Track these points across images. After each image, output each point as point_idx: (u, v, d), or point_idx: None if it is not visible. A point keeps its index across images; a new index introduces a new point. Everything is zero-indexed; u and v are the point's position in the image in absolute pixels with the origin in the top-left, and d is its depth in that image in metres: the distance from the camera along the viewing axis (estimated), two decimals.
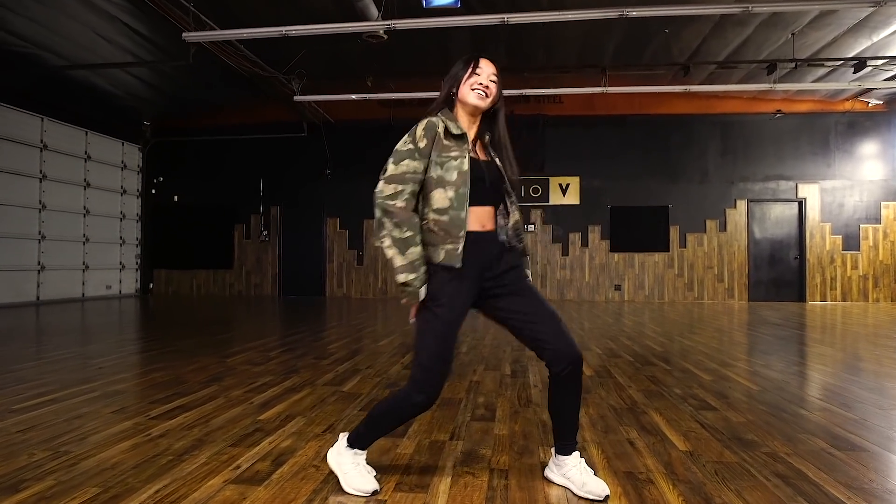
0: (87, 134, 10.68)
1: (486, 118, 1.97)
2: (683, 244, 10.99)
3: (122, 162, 11.64)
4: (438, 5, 6.28)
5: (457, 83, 1.89)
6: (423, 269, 1.79)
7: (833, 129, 10.78)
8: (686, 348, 5.11)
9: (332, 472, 1.99)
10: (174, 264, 12.19)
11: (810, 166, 10.82)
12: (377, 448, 2.30)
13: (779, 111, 10.72)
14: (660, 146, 11.06)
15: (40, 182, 9.71)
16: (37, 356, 4.54)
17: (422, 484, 1.96)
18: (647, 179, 11.07)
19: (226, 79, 9.36)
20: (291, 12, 7.06)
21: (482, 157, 1.92)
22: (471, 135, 1.92)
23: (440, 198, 1.80)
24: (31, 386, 3.42)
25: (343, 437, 1.98)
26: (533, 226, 11.19)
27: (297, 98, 9.55)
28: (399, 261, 1.77)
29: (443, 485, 1.96)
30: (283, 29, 6.60)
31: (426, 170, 1.82)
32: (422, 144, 1.80)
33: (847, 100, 10.61)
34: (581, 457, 1.94)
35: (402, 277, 1.77)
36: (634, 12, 6.04)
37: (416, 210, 1.85)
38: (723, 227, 10.95)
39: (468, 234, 1.81)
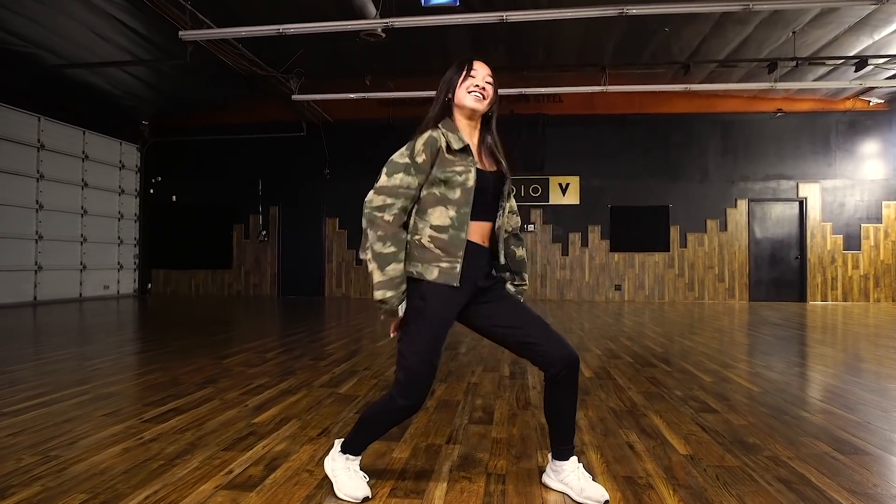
0: (84, 133, 10.64)
1: (484, 121, 1.93)
2: (684, 244, 10.96)
3: (121, 161, 11.60)
4: (437, 3, 6.24)
5: (452, 88, 1.84)
6: (402, 286, 1.75)
7: (834, 129, 10.74)
8: (686, 349, 5.07)
9: (326, 477, 1.96)
10: (172, 264, 12.16)
11: (811, 165, 10.79)
12: (372, 452, 2.26)
13: (779, 110, 10.68)
14: (660, 145, 11.02)
15: (37, 182, 9.68)
16: (31, 357, 4.51)
17: (417, 489, 1.92)
18: (647, 179, 11.03)
19: (224, 78, 9.32)
20: (289, 10, 7.02)
21: (487, 166, 1.87)
22: (474, 143, 1.88)
23: (441, 215, 1.76)
24: (24, 388, 3.38)
25: (337, 443, 1.94)
26: (533, 226, 11.16)
27: (296, 97, 9.51)
28: (378, 276, 1.73)
29: (438, 490, 1.92)
30: (281, 27, 6.56)
31: (423, 186, 1.78)
32: (420, 160, 1.75)
33: (848, 99, 10.57)
34: (579, 461, 1.90)
35: (378, 294, 1.73)
36: (634, 10, 6.00)
37: (406, 225, 1.80)
38: (723, 226, 10.91)
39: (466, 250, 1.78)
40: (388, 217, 1.73)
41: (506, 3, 6.45)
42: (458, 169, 1.76)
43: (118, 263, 11.56)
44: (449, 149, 1.78)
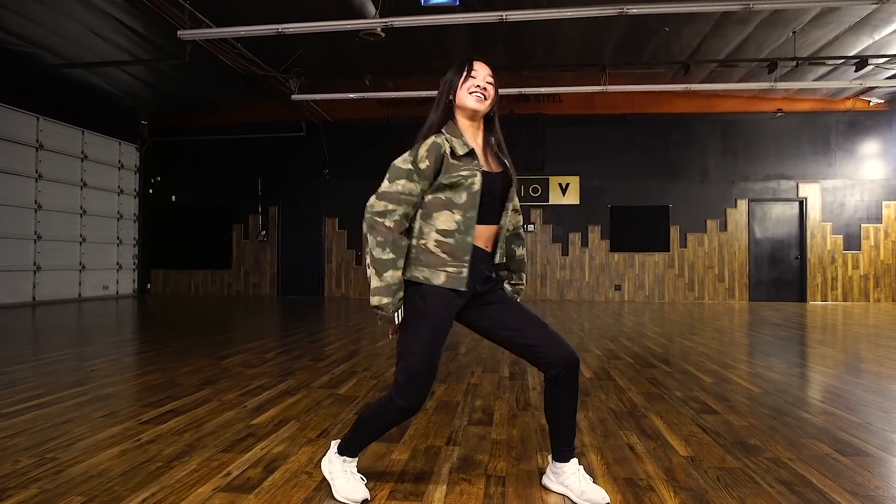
0: (83, 133, 10.62)
1: (486, 121, 1.91)
2: (684, 244, 10.95)
3: (119, 161, 11.59)
4: (436, 3, 6.23)
5: (453, 89, 1.83)
6: (399, 294, 1.74)
7: (834, 128, 10.73)
8: (686, 349, 5.06)
9: (324, 479, 1.95)
10: (172, 264, 12.14)
11: (811, 165, 10.78)
12: (371, 454, 2.25)
13: (780, 110, 10.67)
14: (660, 145, 11.01)
15: (36, 182, 9.66)
16: (30, 358, 4.49)
17: (416, 492, 1.91)
18: (647, 179, 11.02)
19: (223, 77, 9.31)
20: (289, 10, 7.01)
21: (493, 167, 1.85)
22: (478, 144, 1.86)
23: (446, 220, 1.74)
24: (22, 389, 3.37)
25: (334, 444, 1.93)
26: (533, 226, 11.15)
27: (295, 97, 9.50)
28: (375, 282, 1.72)
29: (438, 492, 1.91)
30: (280, 27, 6.55)
31: (426, 192, 1.76)
32: (423, 166, 1.73)
33: (848, 98, 10.56)
34: (580, 463, 1.89)
35: (374, 300, 1.72)
36: (634, 10, 5.99)
37: (408, 232, 1.78)
38: (723, 226, 10.90)
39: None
40: (388, 223, 1.72)
41: (505, 3, 6.44)
42: (464, 174, 1.74)
43: (117, 263, 11.55)
44: (453, 154, 1.76)
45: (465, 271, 1.74)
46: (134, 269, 12.02)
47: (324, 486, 1.93)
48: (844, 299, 10.64)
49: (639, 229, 11.02)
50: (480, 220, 1.78)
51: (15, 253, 9.28)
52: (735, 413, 2.92)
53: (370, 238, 1.73)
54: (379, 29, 6.60)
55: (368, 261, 1.74)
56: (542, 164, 10.96)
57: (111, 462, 2.17)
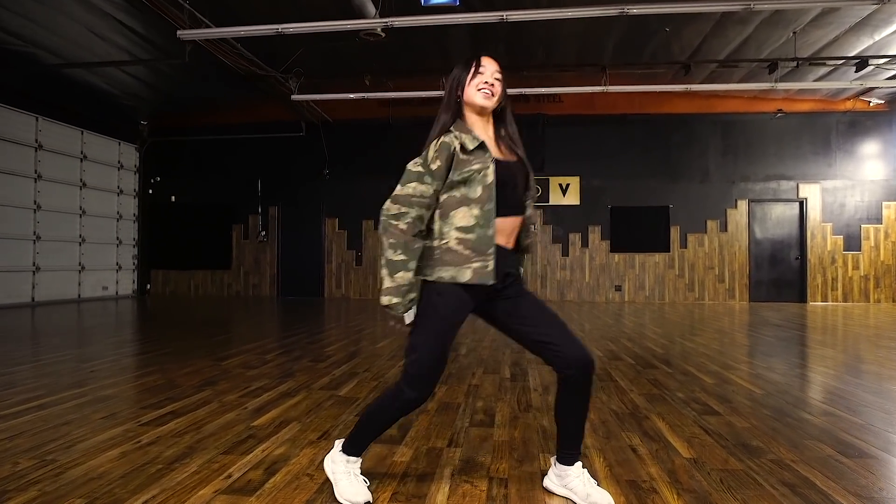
0: (83, 133, 10.60)
1: (496, 117, 1.92)
2: (684, 244, 10.94)
3: (119, 162, 11.57)
4: (437, 3, 6.22)
5: (461, 86, 1.83)
6: (410, 295, 1.75)
7: (834, 129, 10.73)
8: (687, 350, 5.05)
9: (326, 482, 1.94)
10: (172, 265, 12.12)
11: (811, 166, 10.77)
12: (373, 455, 2.24)
13: (780, 110, 10.67)
14: (660, 146, 11.01)
15: (35, 182, 9.64)
16: (29, 359, 4.48)
17: (419, 493, 1.90)
18: (647, 179, 11.02)
19: (223, 78, 9.29)
20: (288, 10, 6.99)
21: (507, 156, 1.85)
22: (489, 136, 1.86)
23: (464, 216, 1.74)
24: (21, 390, 3.36)
25: (338, 444, 1.92)
26: (533, 226, 11.12)
27: (295, 97, 9.48)
28: (387, 282, 1.75)
29: (440, 494, 1.90)
30: (280, 27, 6.53)
31: (441, 191, 1.76)
32: (434, 167, 1.74)
33: (848, 99, 10.56)
34: (583, 466, 1.88)
35: (385, 300, 1.75)
36: (635, 10, 5.98)
37: (424, 233, 1.78)
38: (724, 227, 10.90)
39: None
40: (402, 226, 1.74)
41: (506, 3, 6.43)
42: (476, 167, 1.75)
43: (117, 264, 11.53)
44: (464, 149, 1.76)
45: (490, 264, 1.74)
46: (133, 270, 12.00)
47: (325, 488, 1.92)
48: (845, 300, 10.64)
49: (639, 230, 11.01)
50: (501, 212, 1.77)
51: (14, 253, 9.26)
52: (737, 414, 2.91)
53: (384, 240, 1.76)
54: (379, 29, 6.59)
55: (382, 261, 1.77)
56: (542, 164, 10.95)
57: (111, 464, 2.16)
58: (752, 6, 5.91)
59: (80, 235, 10.56)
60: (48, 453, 2.27)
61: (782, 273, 10.80)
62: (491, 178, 1.74)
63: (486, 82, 1.81)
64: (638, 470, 2.13)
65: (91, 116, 10.73)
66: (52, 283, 9.93)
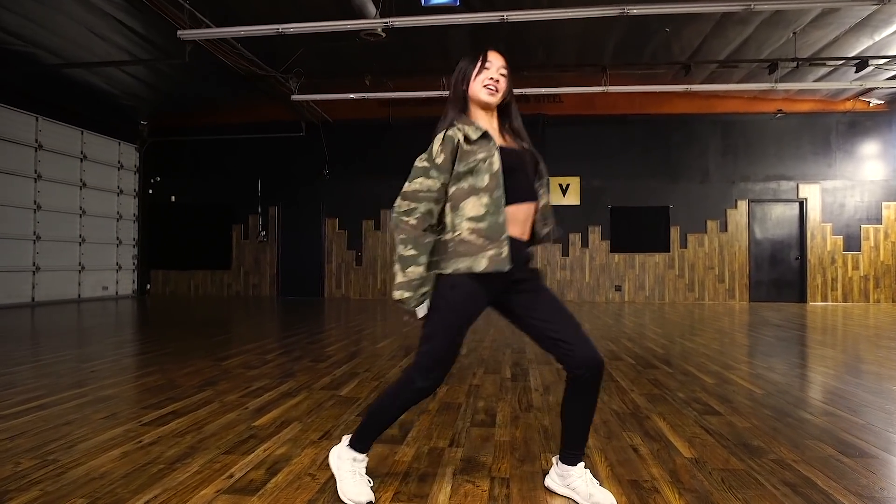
0: (82, 133, 10.60)
1: (501, 111, 1.93)
2: (684, 244, 10.94)
3: (119, 162, 11.56)
4: (437, 3, 6.22)
5: (467, 80, 1.85)
6: (421, 290, 1.76)
7: (834, 129, 10.74)
8: (688, 350, 5.06)
9: (328, 481, 1.95)
10: (171, 265, 12.12)
11: (811, 166, 10.78)
12: (375, 455, 2.24)
13: (780, 111, 10.68)
14: (660, 146, 11.01)
15: (35, 182, 9.63)
16: (29, 359, 4.48)
17: (420, 493, 1.90)
18: (647, 179, 11.02)
19: (223, 78, 9.29)
20: (289, 10, 6.99)
21: (513, 144, 1.87)
22: (494, 127, 1.88)
23: (474, 205, 1.75)
24: (22, 390, 3.36)
25: (345, 439, 1.93)
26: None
27: (295, 97, 9.48)
28: (399, 277, 1.76)
29: (442, 494, 1.90)
30: (280, 27, 6.53)
31: (449, 184, 1.78)
32: (439, 160, 1.76)
33: (848, 99, 10.56)
34: (585, 466, 1.88)
35: (396, 294, 1.76)
36: (635, 10, 5.98)
37: (435, 227, 1.80)
38: (723, 227, 10.90)
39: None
40: (412, 221, 1.76)
41: (506, 3, 6.44)
42: (481, 156, 1.75)
43: (117, 264, 11.52)
44: (468, 140, 1.77)
45: (505, 251, 1.73)
46: (133, 270, 12.00)
47: (327, 487, 1.92)
48: (844, 300, 10.64)
49: (639, 230, 11.02)
50: (512, 199, 1.77)
51: (14, 253, 9.26)
52: (738, 414, 2.91)
53: (396, 236, 1.78)
54: (379, 29, 6.59)
55: (395, 257, 1.79)
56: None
57: (113, 464, 2.16)
58: (752, 6, 5.91)
59: (80, 235, 10.56)
60: (49, 453, 2.27)
61: (782, 273, 10.81)
62: (497, 165, 1.75)
63: (492, 78, 1.83)
64: (639, 470, 2.13)
65: (91, 116, 10.72)
66: (52, 284, 9.92)
